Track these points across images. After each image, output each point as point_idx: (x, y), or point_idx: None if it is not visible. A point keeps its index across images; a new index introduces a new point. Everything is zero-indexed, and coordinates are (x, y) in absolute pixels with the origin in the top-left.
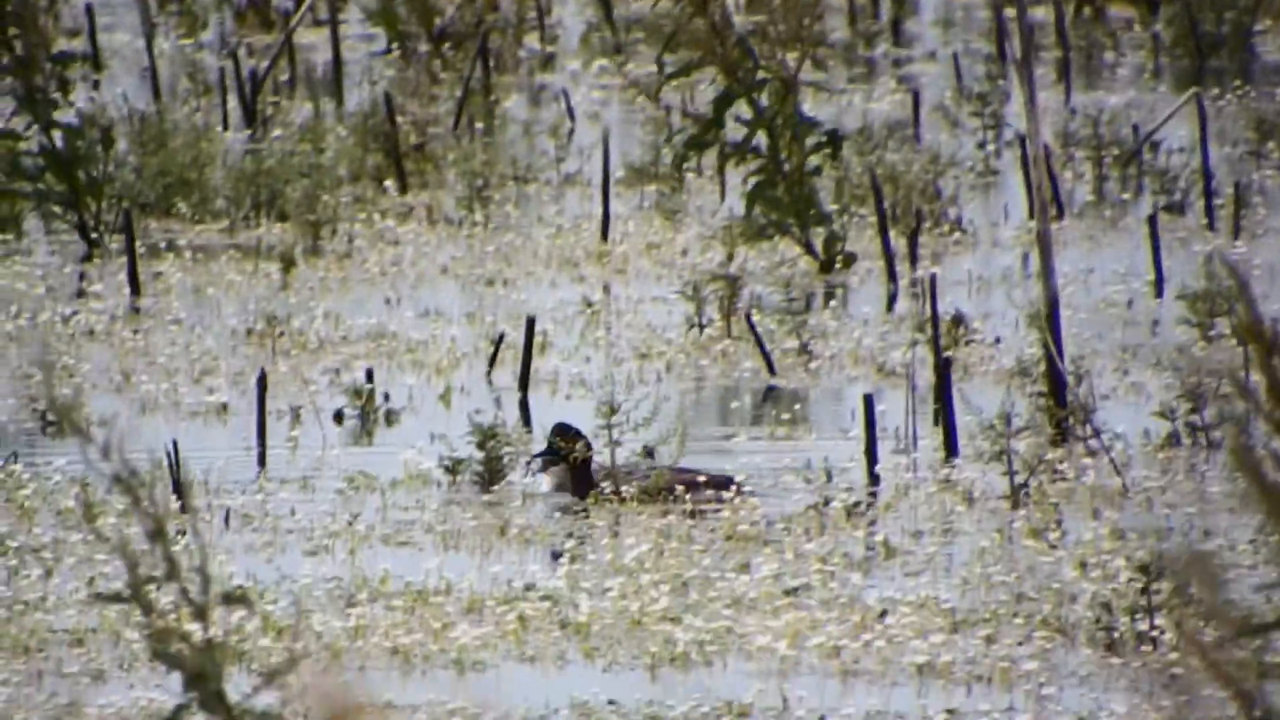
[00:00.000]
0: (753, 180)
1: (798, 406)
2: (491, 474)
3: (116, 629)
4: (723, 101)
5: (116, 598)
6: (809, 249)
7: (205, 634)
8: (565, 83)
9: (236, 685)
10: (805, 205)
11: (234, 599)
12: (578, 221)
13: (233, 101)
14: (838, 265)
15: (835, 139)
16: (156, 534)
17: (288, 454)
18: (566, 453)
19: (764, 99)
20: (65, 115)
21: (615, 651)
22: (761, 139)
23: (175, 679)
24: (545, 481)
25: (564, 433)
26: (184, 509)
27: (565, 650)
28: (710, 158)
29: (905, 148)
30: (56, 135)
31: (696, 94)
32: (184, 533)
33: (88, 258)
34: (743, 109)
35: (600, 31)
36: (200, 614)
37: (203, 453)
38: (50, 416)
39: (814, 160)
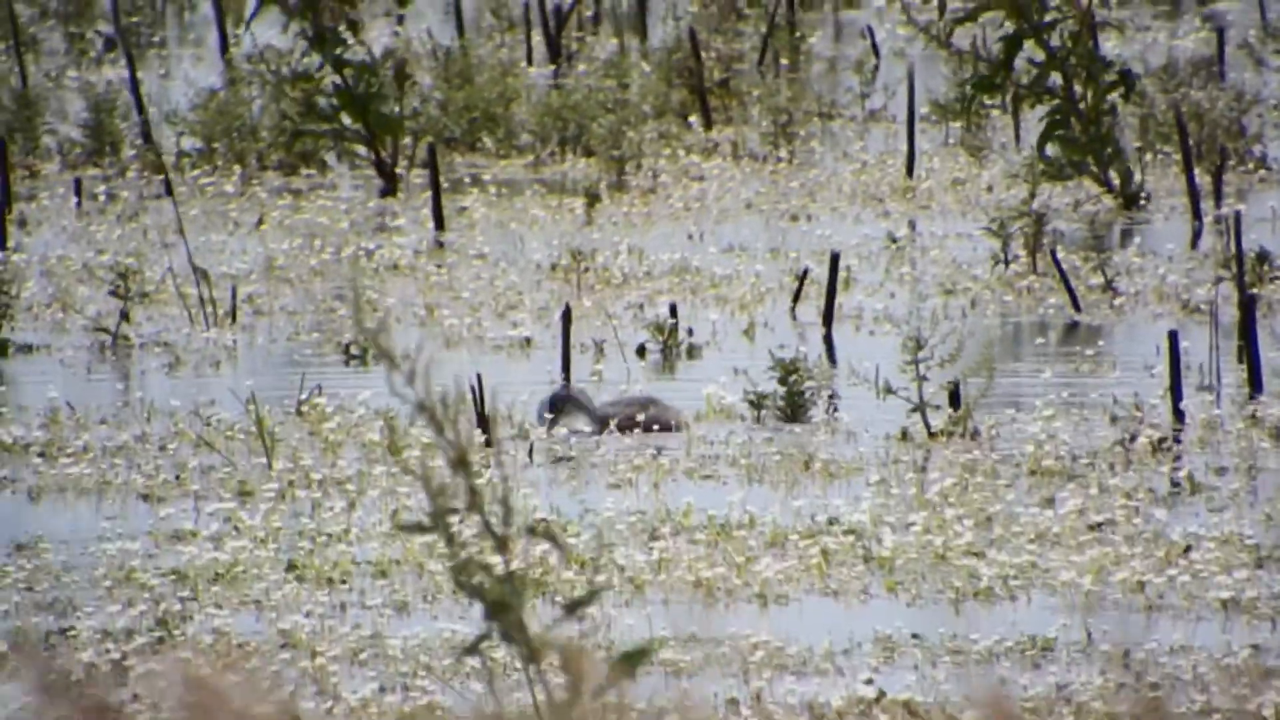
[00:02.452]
0: (1046, 120)
1: (1102, 342)
2: (795, 408)
3: (420, 560)
4: (1011, 43)
5: (419, 528)
6: (1108, 186)
7: (507, 565)
8: (870, 19)
9: (539, 617)
10: (1102, 144)
11: (538, 532)
12: (882, 157)
13: (537, 37)
14: (1142, 202)
15: (1128, 79)
16: (459, 464)
17: (592, 388)
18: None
19: (1054, 40)
20: (357, 54)
21: (919, 586)
22: (1055, 79)
23: (478, 611)
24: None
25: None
26: (488, 442)
27: (868, 584)
28: (1008, 96)
29: (1210, 85)
30: (349, 74)
31: (989, 35)
32: (488, 465)
33: (386, 193)
34: (1033, 50)
35: None
36: (502, 545)
37: (507, 387)
38: (354, 350)
39: (1111, 98)
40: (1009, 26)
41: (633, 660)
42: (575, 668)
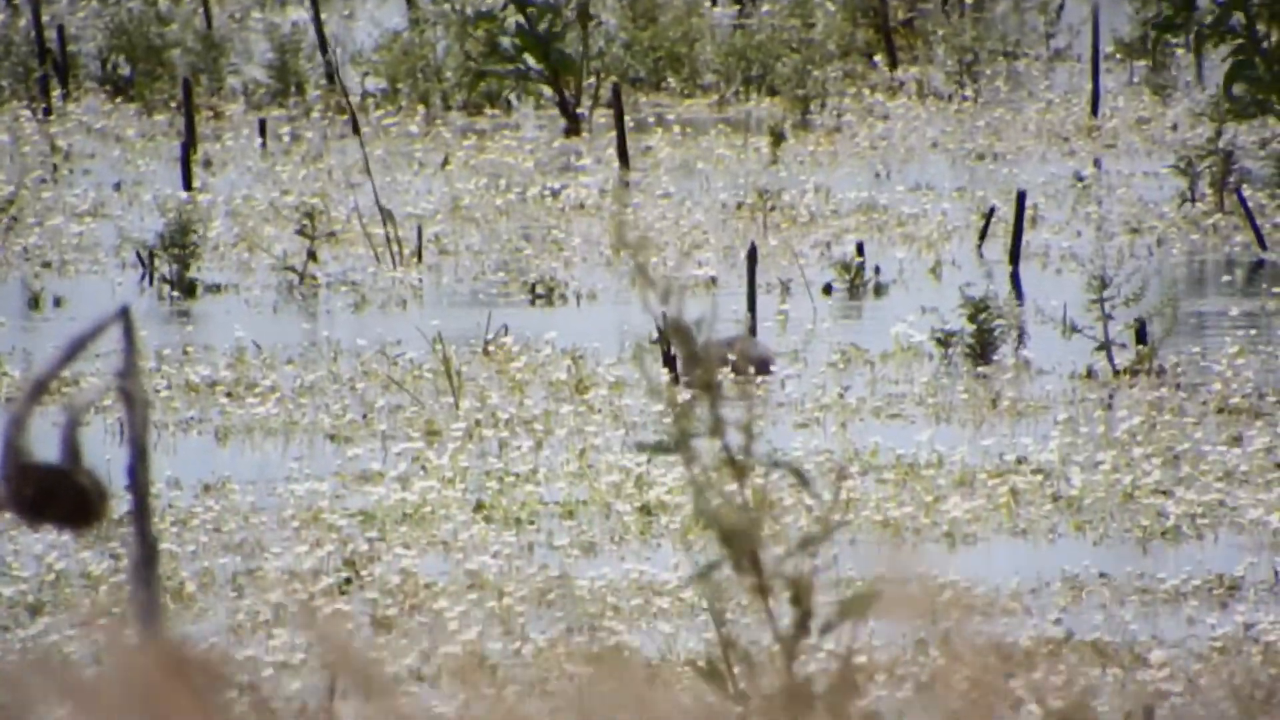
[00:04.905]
0: (1231, 60)
1: None
2: (983, 347)
3: (607, 501)
4: None
5: (661, 448)
6: None
7: (744, 494)
8: None
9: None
10: None
11: (780, 464)
12: (1067, 96)
13: None
14: None
15: None
16: (706, 385)
17: (777, 327)
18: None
19: None
20: None
21: (1106, 525)
22: (1238, 18)
23: (665, 551)
24: None
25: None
26: (675, 381)
27: (1056, 523)
28: (1190, 35)
29: None
30: (532, 14)
31: None
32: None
33: (570, 133)
34: None
35: None
36: (741, 474)
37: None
38: (539, 289)
39: None
40: None
41: (862, 601)
42: (805, 603)
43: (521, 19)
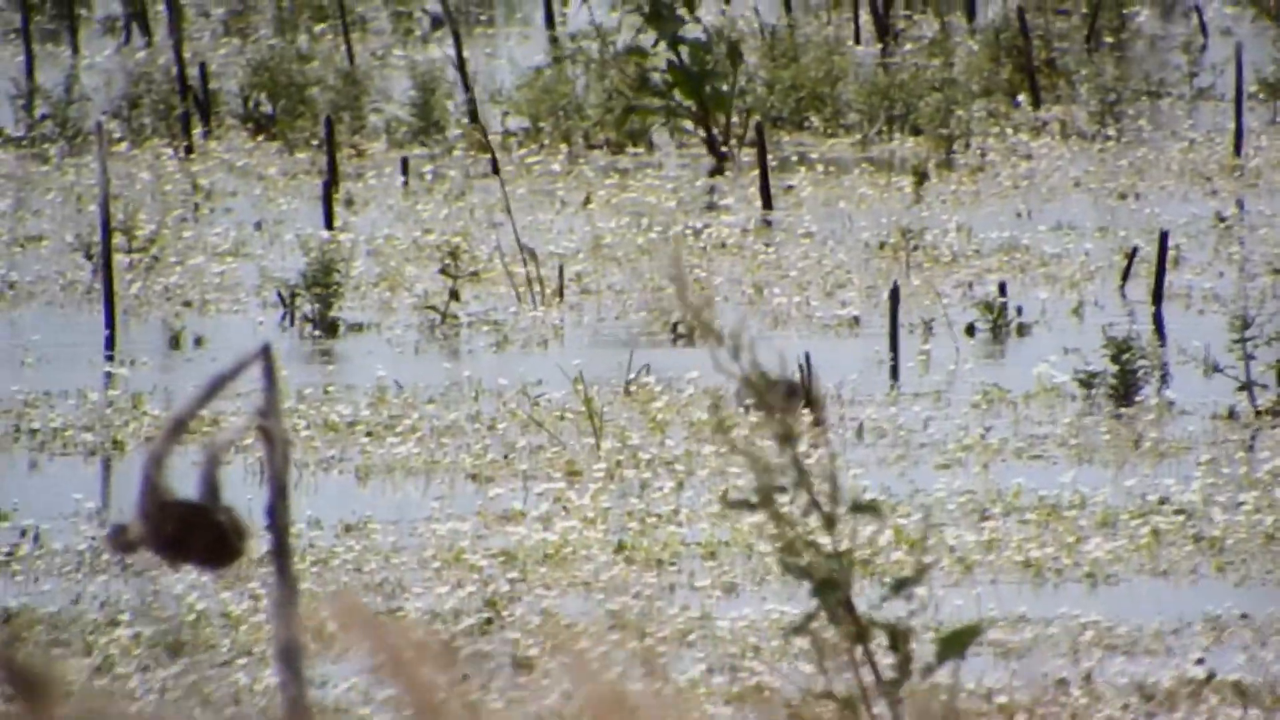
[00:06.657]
0: None
1: None
2: (1126, 387)
3: (749, 542)
4: None
5: (746, 504)
6: None
7: (834, 543)
8: None
9: (866, 597)
10: None
11: (864, 509)
12: (1210, 135)
13: (864, 15)
14: None
15: None
16: (785, 439)
17: (920, 367)
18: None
19: None
20: (692, 31)
21: (1248, 565)
22: None
23: (806, 592)
24: None
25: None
26: (816, 421)
27: (1198, 564)
28: None
29: None
30: (683, 51)
31: None
32: (816, 444)
33: (716, 171)
34: None
35: None
36: (829, 523)
37: (834, 366)
38: (681, 329)
39: None
40: None
41: (959, 639)
42: (903, 646)
43: (674, 56)
